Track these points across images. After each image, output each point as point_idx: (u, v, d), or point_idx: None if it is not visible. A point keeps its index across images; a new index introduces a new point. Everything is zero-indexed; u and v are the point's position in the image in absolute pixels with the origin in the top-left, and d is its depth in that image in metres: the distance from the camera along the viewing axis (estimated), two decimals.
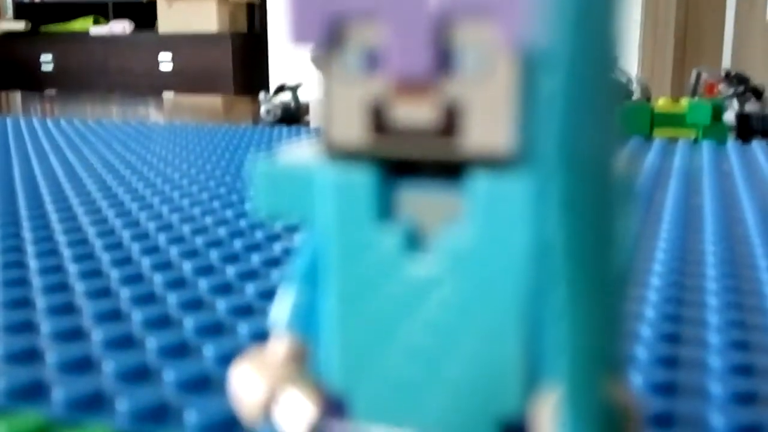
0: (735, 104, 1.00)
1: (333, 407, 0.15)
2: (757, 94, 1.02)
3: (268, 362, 0.16)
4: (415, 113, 0.13)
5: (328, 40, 0.13)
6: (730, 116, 0.96)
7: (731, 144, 0.88)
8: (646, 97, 0.98)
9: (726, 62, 1.47)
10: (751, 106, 1.00)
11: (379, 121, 0.13)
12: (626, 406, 0.11)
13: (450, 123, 0.13)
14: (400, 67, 0.13)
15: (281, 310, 0.16)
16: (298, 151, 0.15)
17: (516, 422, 0.13)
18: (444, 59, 0.12)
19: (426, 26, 0.12)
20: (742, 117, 0.98)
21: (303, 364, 0.15)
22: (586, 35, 0.09)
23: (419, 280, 0.14)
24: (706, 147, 0.84)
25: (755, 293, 0.36)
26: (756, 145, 0.86)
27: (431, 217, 0.14)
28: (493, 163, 0.13)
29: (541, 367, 0.13)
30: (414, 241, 0.14)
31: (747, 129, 0.96)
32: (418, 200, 0.14)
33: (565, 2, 0.09)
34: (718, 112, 0.91)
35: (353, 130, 0.13)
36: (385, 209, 0.14)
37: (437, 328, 0.14)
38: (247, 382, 0.15)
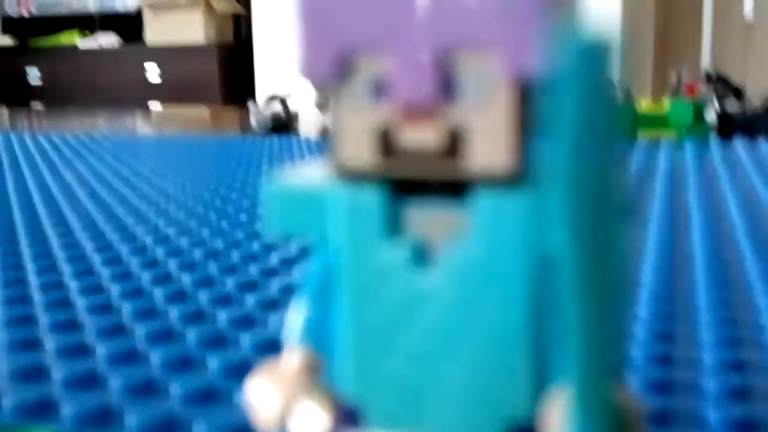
0: (716, 104, 1.02)
1: (347, 418, 0.16)
2: (737, 93, 1.04)
3: (282, 375, 0.16)
4: (421, 137, 0.14)
5: (338, 73, 0.13)
6: (711, 116, 0.97)
7: (713, 143, 0.89)
8: (629, 98, 0.99)
9: (705, 60, 1.49)
10: (732, 106, 1.02)
11: (386, 144, 0.14)
12: (630, 408, 0.12)
13: (453, 145, 0.14)
14: (405, 96, 0.13)
15: (294, 324, 0.17)
16: (308, 172, 0.16)
17: (525, 426, 0.14)
18: (447, 87, 0.13)
19: (429, 57, 0.13)
20: (723, 117, 0.99)
21: (317, 376, 0.16)
22: (590, 71, 0.10)
23: (427, 292, 0.14)
24: (689, 147, 0.85)
25: (743, 290, 0.37)
26: (738, 143, 0.88)
27: (437, 232, 0.14)
28: (494, 182, 0.14)
29: (548, 371, 0.14)
30: (421, 256, 0.14)
31: (728, 128, 0.98)
32: (425, 217, 0.15)
33: (569, 48, 0.10)
34: (699, 112, 0.92)
35: (362, 153, 0.14)
36: (393, 226, 0.15)
37: (446, 337, 0.15)
38: (263, 395, 0.16)
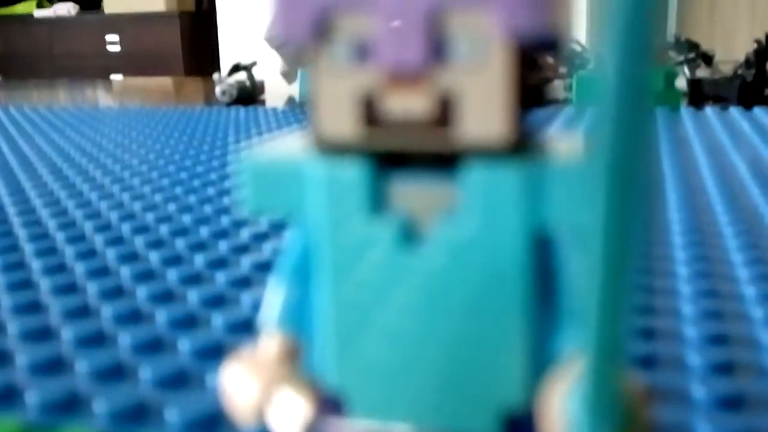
0: (686, 70, 1.01)
1: (329, 406, 0.15)
2: (707, 59, 1.04)
3: (260, 362, 0.15)
4: (408, 104, 0.13)
5: (317, 32, 0.12)
6: (681, 82, 0.97)
7: (684, 110, 0.89)
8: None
9: (670, 24, 1.48)
10: (702, 72, 1.02)
11: (370, 113, 0.13)
12: (635, 391, 0.11)
13: (444, 113, 0.12)
14: (391, 58, 0.12)
15: (271, 308, 0.15)
16: (285, 144, 0.15)
17: (519, 416, 0.13)
18: (437, 48, 0.12)
19: (418, 15, 0.12)
20: (693, 83, 0.99)
21: (296, 362, 0.15)
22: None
23: (415, 273, 0.13)
24: (660, 114, 0.85)
25: (723, 261, 0.37)
26: (709, 110, 0.88)
27: (425, 209, 0.13)
28: (489, 153, 0.13)
29: (545, 356, 0.13)
30: (409, 234, 0.13)
31: (699, 94, 0.97)
32: (412, 193, 0.13)
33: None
34: (670, 78, 0.92)
35: (343, 123, 0.13)
36: (378, 202, 0.13)
37: (434, 320, 0.14)
38: (240, 384, 0.15)
